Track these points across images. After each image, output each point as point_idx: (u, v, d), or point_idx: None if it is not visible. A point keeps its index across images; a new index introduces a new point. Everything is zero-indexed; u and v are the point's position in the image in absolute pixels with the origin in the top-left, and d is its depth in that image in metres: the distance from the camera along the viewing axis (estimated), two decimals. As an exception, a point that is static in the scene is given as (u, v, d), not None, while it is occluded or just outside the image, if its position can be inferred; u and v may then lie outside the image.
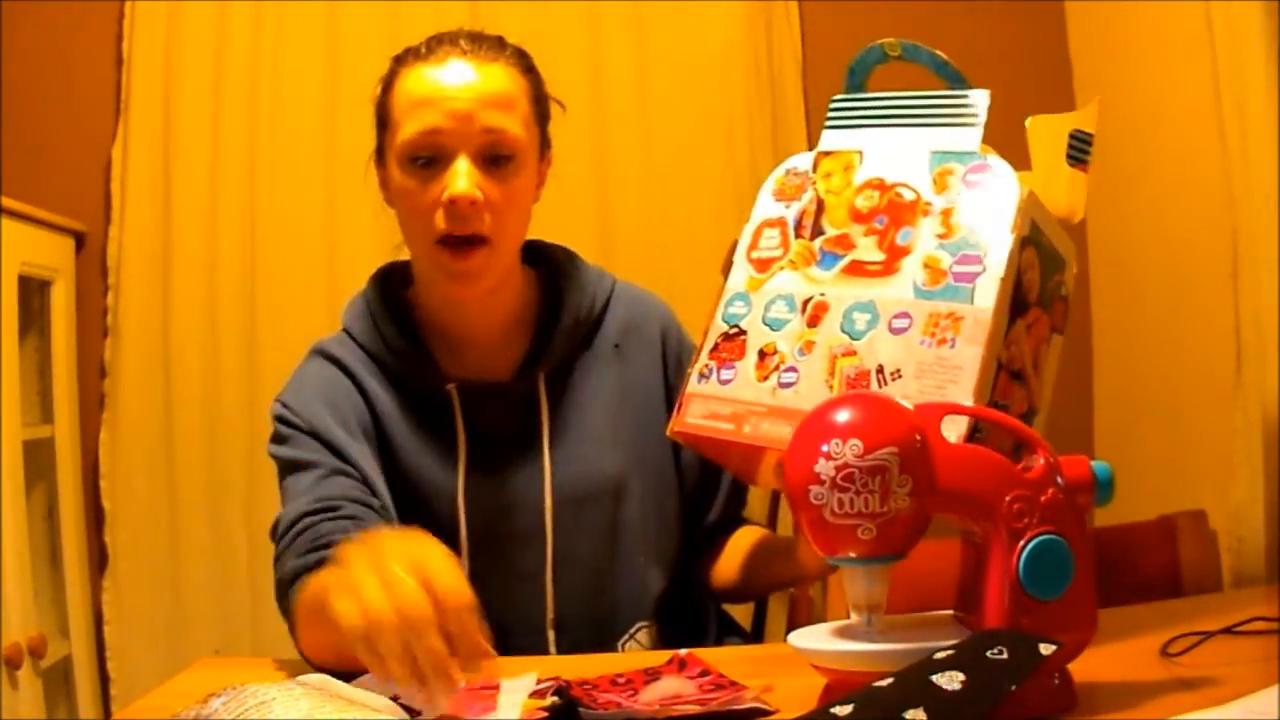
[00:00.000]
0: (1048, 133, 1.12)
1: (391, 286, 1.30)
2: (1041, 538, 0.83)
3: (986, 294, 0.98)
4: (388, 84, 1.22)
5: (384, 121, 1.22)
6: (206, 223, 2.29)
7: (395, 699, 0.85)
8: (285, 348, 2.17)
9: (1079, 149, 1.11)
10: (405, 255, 1.29)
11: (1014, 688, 0.72)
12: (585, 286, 1.31)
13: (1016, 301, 1.00)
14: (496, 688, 0.96)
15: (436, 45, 1.20)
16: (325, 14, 2.32)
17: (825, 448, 0.80)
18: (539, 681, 0.96)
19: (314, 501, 1.14)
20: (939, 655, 0.75)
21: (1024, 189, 1.01)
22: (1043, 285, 1.04)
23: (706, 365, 1.10)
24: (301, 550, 1.10)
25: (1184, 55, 1.86)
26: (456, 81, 1.17)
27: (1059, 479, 0.85)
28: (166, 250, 2.28)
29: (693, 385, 1.10)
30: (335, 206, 2.29)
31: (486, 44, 1.21)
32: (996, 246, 0.99)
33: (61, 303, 2.23)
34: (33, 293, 2.16)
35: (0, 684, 1.85)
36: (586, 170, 2.30)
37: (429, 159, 1.17)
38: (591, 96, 2.31)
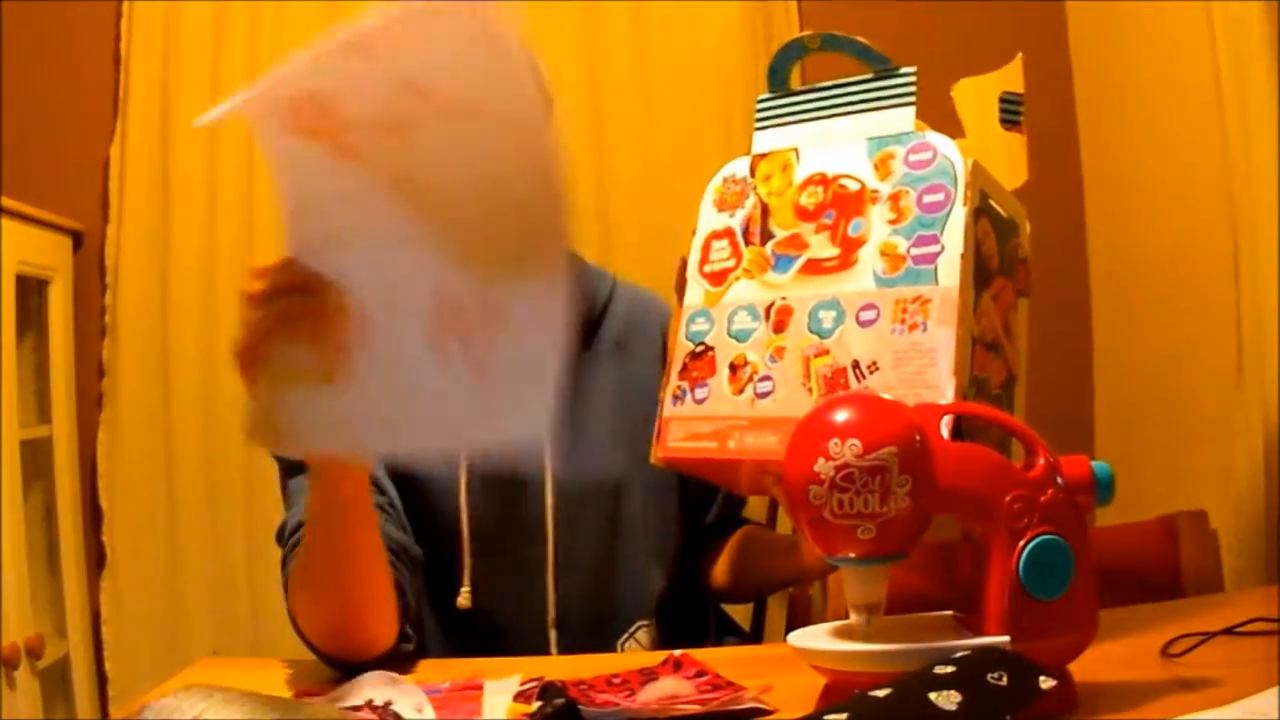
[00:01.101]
0: (976, 97, 1.11)
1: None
2: (1041, 538, 0.82)
3: (949, 273, 0.97)
4: None
5: None
6: (204, 222, 2.29)
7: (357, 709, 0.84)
8: (284, 347, 2.17)
9: (1011, 111, 1.10)
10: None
11: (1009, 718, 0.71)
12: (585, 285, 1.30)
13: (979, 273, 0.99)
14: (480, 688, 0.95)
15: None
16: (324, 14, 2.31)
17: (825, 447, 0.80)
18: (523, 683, 0.96)
19: None
20: (939, 671, 0.74)
21: (969, 160, 1.00)
22: (1001, 252, 1.04)
23: (679, 387, 1.08)
24: None
25: (1185, 55, 1.86)
26: None
27: (1059, 479, 0.84)
28: (164, 249, 2.28)
29: (668, 409, 1.09)
30: (334, 206, 2.29)
31: None
32: (951, 223, 0.98)
33: (59, 302, 2.23)
34: (30, 292, 2.16)
35: (-2, 684, 1.85)
36: (586, 169, 2.29)
37: None
38: (591, 95, 2.31)
